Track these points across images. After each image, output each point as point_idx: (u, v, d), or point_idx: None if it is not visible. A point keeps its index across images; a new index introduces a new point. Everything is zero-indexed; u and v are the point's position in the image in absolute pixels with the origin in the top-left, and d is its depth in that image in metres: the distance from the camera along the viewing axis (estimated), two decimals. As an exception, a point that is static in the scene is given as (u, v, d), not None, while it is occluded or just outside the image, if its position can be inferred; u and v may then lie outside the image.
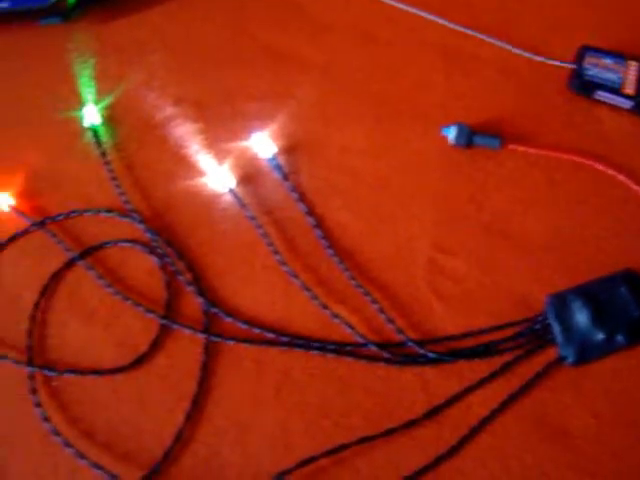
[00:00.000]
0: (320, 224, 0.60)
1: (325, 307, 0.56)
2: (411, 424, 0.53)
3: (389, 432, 0.52)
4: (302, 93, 0.65)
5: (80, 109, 0.67)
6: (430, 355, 0.54)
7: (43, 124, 0.67)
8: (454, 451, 0.51)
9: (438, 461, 0.51)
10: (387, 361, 0.55)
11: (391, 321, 0.55)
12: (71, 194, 0.64)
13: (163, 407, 0.56)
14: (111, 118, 0.67)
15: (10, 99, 0.70)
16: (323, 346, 0.56)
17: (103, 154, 0.64)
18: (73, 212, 0.63)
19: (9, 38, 0.72)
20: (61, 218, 0.63)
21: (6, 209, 0.64)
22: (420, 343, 0.55)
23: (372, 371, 0.55)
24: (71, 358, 0.58)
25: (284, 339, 0.56)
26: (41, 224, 0.62)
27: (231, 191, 0.61)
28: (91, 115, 0.66)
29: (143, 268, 0.60)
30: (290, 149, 0.63)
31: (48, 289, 0.60)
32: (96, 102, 0.67)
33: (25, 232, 0.63)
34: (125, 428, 0.55)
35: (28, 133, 0.68)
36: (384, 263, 0.58)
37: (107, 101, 0.67)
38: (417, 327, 0.56)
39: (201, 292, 0.58)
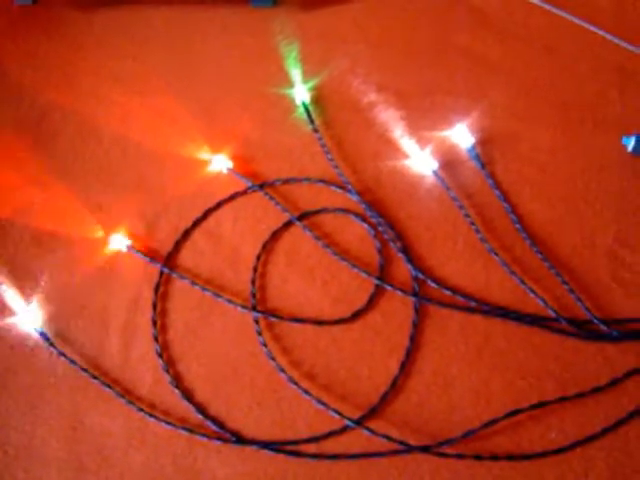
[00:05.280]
0: (514, 210, 0.67)
1: (523, 282, 0.64)
2: (596, 390, 0.61)
3: (579, 395, 0.60)
4: (494, 93, 0.73)
5: (288, 87, 0.74)
6: (614, 333, 0.62)
7: (255, 96, 0.74)
8: (633, 416, 0.60)
9: (618, 424, 0.60)
10: (575, 335, 0.63)
11: (580, 300, 0.63)
12: (284, 163, 0.71)
13: (378, 358, 0.63)
14: (318, 98, 0.73)
15: (224, 71, 0.76)
16: (520, 317, 0.63)
17: (315, 130, 0.71)
18: (290, 180, 0.69)
19: (224, 17, 0.79)
20: (279, 184, 0.70)
21: (224, 171, 0.70)
22: (605, 322, 0.63)
23: (561, 342, 0.63)
24: (292, 308, 0.65)
25: (485, 307, 0.64)
26: (260, 187, 0.69)
27: (435, 173, 0.68)
28: (301, 93, 0.73)
29: (356, 235, 0.67)
30: (485, 142, 0.70)
31: (268, 245, 0.67)
32: (303, 82, 0.74)
33: (244, 193, 0.70)
34: (343, 373, 0.63)
35: (241, 103, 0.74)
36: (568, 251, 0.66)
37: (313, 82, 0.74)
38: (598, 309, 0.64)
39: (410, 260, 0.66)
